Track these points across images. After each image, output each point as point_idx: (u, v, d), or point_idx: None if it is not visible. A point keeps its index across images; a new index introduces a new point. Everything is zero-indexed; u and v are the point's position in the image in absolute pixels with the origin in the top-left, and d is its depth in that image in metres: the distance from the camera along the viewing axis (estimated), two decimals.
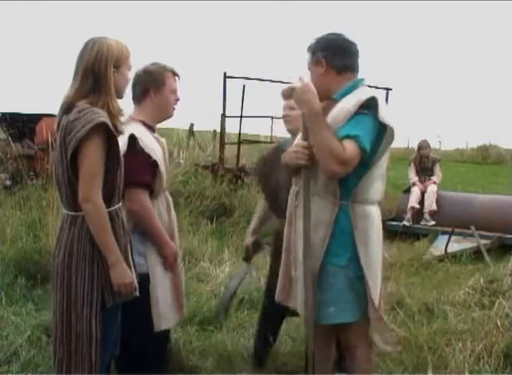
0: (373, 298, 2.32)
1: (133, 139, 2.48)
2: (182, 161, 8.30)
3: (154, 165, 2.54)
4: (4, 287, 4.20)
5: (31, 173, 7.26)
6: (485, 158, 20.41)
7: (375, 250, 2.39)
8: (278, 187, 2.96)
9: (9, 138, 8.34)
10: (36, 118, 8.85)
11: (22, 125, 8.90)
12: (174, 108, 2.74)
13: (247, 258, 3.54)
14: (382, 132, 2.25)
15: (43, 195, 6.10)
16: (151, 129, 2.68)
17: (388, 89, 8.86)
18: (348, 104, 2.25)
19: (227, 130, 9.02)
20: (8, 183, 7.90)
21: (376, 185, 2.37)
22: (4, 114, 9.34)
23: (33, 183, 6.87)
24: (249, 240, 3.42)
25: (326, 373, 2.52)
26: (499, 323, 3.42)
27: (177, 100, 2.74)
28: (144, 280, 2.47)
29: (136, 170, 2.42)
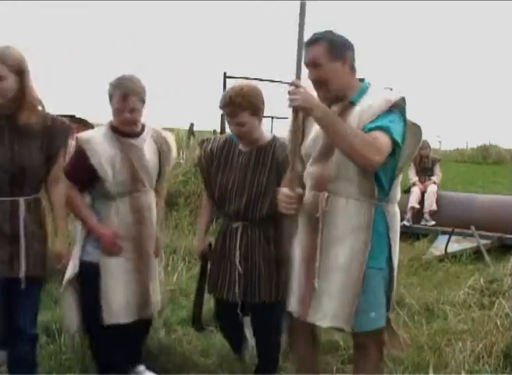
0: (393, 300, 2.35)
1: (76, 140, 2.78)
2: (182, 161, 8.28)
3: (93, 167, 2.72)
4: None
5: None
6: (485, 158, 20.43)
7: (397, 247, 2.37)
8: (226, 186, 2.77)
9: None
10: None
11: (125, 123, 8.88)
12: (126, 124, 2.79)
13: (205, 267, 3.03)
14: (407, 132, 2.24)
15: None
16: (122, 133, 2.80)
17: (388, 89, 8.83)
18: (374, 104, 2.19)
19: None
20: None
21: (398, 184, 2.37)
22: None
23: None
24: (202, 246, 3.02)
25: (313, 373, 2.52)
26: (499, 323, 3.42)
27: (129, 120, 2.76)
28: (92, 268, 2.76)
29: (67, 166, 2.75)
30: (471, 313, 3.93)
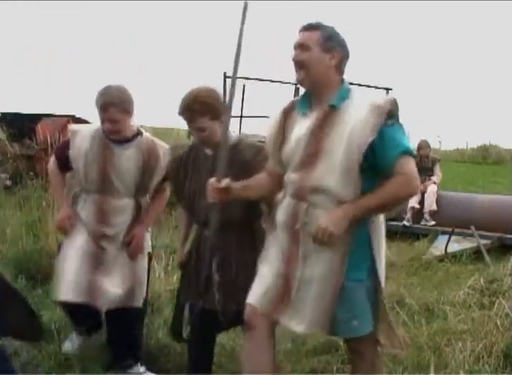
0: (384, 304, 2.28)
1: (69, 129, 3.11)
2: None
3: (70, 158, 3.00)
4: None
5: (31, 173, 7.26)
6: (485, 158, 20.40)
7: (383, 256, 2.30)
8: (195, 192, 2.71)
9: (9, 138, 8.34)
10: (36, 118, 8.86)
11: (22, 125, 8.91)
12: (108, 133, 2.94)
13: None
14: None
15: (43, 195, 6.10)
16: (107, 137, 2.95)
17: (388, 89, 8.86)
18: (367, 117, 2.09)
19: None
20: (8, 183, 7.90)
21: None
22: (4, 114, 9.35)
23: (33, 183, 6.87)
24: (181, 256, 2.95)
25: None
26: (499, 323, 3.42)
27: (110, 130, 2.90)
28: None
29: (56, 149, 3.22)
30: (471, 313, 3.93)
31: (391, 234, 7.24)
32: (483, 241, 6.34)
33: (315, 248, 2.16)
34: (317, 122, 2.18)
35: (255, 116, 9.42)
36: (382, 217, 2.28)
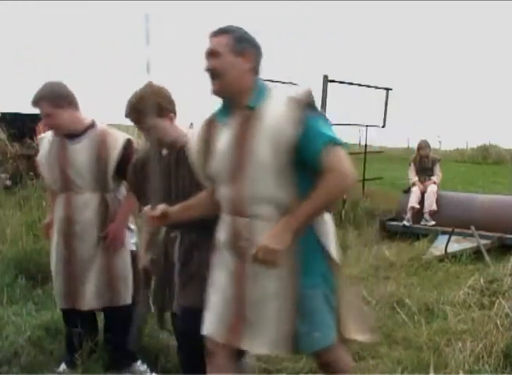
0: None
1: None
2: None
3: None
4: (4, 287, 4.20)
5: (31, 173, 7.26)
6: (485, 158, 20.43)
7: (334, 245, 2.17)
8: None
9: (9, 138, 8.34)
10: (36, 118, 8.85)
11: (22, 125, 8.91)
12: (49, 128, 3.08)
13: (148, 282, 2.89)
14: None
15: (43, 195, 6.10)
16: (64, 135, 3.01)
17: (388, 89, 8.86)
18: (284, 113, 1.99)
19: None
20: (8, 183, 7.90)
21: None
22: (4, 114, 9.35)
23: (33, 183, 6.87)
24: (144, 260, 2.88)
25: None
26: (499, 323, 3.42)
27: (48, 125, 3.02)
28: None
29: None
30: (471, 313, 3.93)
31: (391, 234, 7.27)
32: (483, 241, 6.33)
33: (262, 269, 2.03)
34: (238, 128, 2.07)
35: None
36: (326, 215, 2.16)
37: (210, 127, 2.20)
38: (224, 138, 2.11)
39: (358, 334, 2.21)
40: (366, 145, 9.47)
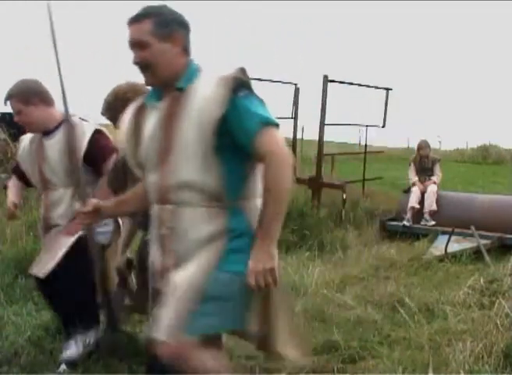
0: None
1: None
2: None
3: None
4: (4, 287, 4.21)
5: None
6: (485, 158, 20.45)
7: None
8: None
9: (9, 138, 8.34)
10: None
11: (22, 125, 8.90)
12: (22, 125, 3.09)
13: (124, 283, 2.91)
14: None
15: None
16: (43, 132, 3.03)
17: (388, 89, 8.86)
18: (211, 88, 1.86)
19: None
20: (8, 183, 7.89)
21: (257, 176, 1.98)
22: (4, 114, 9.34)
23: None
24: (120, 261, 2.92)
25: None
26: (499, 323, 3.41)
27: (20, 122, 3.02)
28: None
29: None
30: (471, 313, 3.93)
31: (391, 234, 7.27)
32: (483, 241, 6.33)
33: (186, 252, 1.91)
34: (166, 110, 1.95)
35: None
36: (258, 203, 1.94)
37: (139, 112, 2.07)
38: (152, 122, 1.99)
39: (291, 350, 2.02)
40: (366, 145, 9.47)
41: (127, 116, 2.12)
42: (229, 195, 1.91)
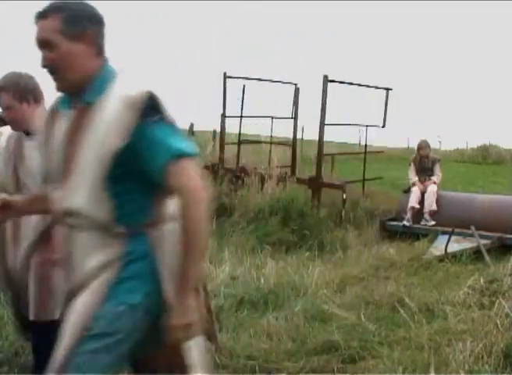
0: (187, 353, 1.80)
1: None
2: None
3: None
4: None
5: None
6: (485, 158, 20.43)
7: (171, 276, 1.78)
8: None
9: None
10: None
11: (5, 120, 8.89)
12: (8, 121, 2.82)
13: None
14: None
15: None
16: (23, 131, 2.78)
17: (388, 89, 8.86)
18: (116, 109, 1.65)
19: (227, 130, 9.04)
20: None
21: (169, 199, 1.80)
22: None
23: None
24: None
25: None
26: (499, 323, 3.42)
27: (7, 118, 2.77)
28: None
29: None
30: (471, 313, 3.93)
31: (391, 234, 7.27)
32: (483, 241, 6.34)
33: (81, 279, 1.74)
34: (72, 124, 1.75)
35: (255, 116, 9.43)
36: (170, 228, 1.77)
37: (52, 117, 1.85)
38: (58, 134, 1.79)
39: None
40: (366, 145, 9.47)
41: (43, 120, 1.91)
42: (128, 223, 1.72)
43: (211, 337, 2.19)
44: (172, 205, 1.79)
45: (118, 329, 1.69)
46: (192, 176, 1.67)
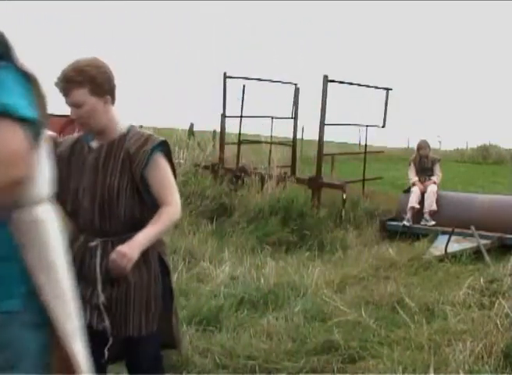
0: (73, 352, 1.54)
1: None
2: (182, 161, 8.30)
3: None
4: None
5: None
6: (485, 158, 20.44)
7: (61, 271, 1.54)
8: (77, 194, 2.20)
9: None
10: None
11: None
12: None
13: None
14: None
15: None
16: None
17: (388, 89, 8.86)
18: None
19: (227, 130, 9.04)
20: None
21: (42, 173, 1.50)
22: None
23: None
24: None
25: None
26: (499, 323, 3.42)
27: None
28: None
29: None
30: (471, 313, 3.93)
31: (391, 234, 7.27)
32: (483, 241, 6.33)
33: None
34: None
35: (255, 116, 9.43)
36: (43, 212, 1.51)
37: None
38: None
39: None
40: (366, 145, 9.47)
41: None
42: None
43: (174, 341, 2.27)
44: (42, 186, 1.51)
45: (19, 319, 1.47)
46: (7, 142, 1.27)
